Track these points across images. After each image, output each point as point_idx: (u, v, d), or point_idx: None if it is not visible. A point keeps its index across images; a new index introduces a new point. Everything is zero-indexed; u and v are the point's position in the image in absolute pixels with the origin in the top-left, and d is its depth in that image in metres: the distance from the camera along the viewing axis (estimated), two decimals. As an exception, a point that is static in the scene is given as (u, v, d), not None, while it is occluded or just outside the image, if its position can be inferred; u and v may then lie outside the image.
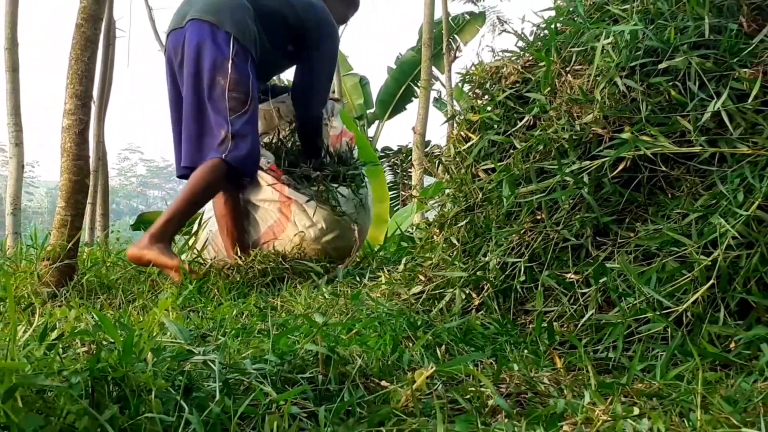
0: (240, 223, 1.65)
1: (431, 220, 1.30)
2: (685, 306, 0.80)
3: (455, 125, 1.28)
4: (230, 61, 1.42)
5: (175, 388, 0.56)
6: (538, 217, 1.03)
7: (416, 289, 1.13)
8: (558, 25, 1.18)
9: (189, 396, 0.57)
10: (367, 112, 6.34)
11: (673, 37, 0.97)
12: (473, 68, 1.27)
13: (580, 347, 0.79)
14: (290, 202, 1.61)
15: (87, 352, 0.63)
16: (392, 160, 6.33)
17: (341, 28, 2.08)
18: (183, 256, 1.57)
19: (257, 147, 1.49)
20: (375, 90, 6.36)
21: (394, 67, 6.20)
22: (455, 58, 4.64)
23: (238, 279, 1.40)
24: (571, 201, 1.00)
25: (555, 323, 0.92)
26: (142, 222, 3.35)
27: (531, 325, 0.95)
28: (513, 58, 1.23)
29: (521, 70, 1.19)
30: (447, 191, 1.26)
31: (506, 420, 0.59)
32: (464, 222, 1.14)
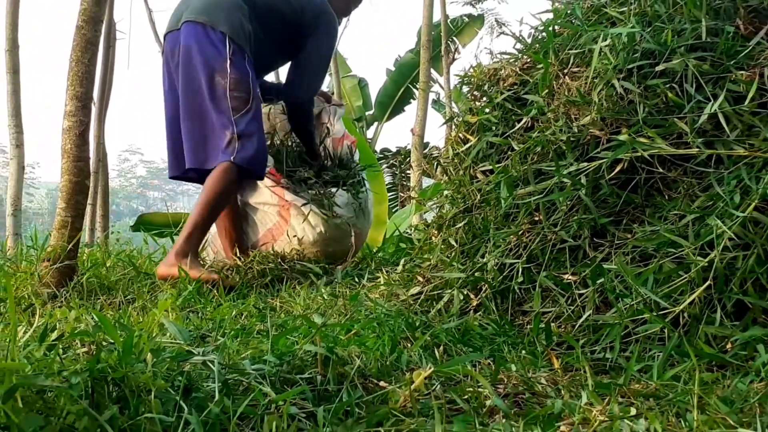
0: (238, 224, 1.66)
1: (430, 221, 1.31)
2: (681, 307, 0.81)
3: (453, 127, 1.29)
4: (228, 61, 1.42)
5: (174, 389, 0.57)
6: (536, 219, 1.03)
7: (415, 290, 1.13)
8: (556, 27, 1.18)
9: (188, 396, 0.57)
10: (366, 113, 6.35)
11: (670, 39, 0.97)
12: (472, 70, 1.28)
13: (578, 348, 0.80)
14: (289, 206, 1.61)
15: (87, 352, 0.63)
16: (391, 161, 6.34)
17: (344, 21, 2.08)
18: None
19: (264, 145, 1.49)
20: (374, 92, 6.38)
21: (393, 69, 6.21)
22: (454, 60, 4.65)
23: (237, 279, 1.40)
24: (568, 202, 1.00)
25: (552, 324, 0.92)
26: (141, 223, 3.35)
27: (529, 326, 0.95)
28: (511, 61, 1.24)
29: (519, 72, 1.20)
30: (445, 192, 1.26)
31: (504, 420, 0.60)
32: (462, 223, 1.14)
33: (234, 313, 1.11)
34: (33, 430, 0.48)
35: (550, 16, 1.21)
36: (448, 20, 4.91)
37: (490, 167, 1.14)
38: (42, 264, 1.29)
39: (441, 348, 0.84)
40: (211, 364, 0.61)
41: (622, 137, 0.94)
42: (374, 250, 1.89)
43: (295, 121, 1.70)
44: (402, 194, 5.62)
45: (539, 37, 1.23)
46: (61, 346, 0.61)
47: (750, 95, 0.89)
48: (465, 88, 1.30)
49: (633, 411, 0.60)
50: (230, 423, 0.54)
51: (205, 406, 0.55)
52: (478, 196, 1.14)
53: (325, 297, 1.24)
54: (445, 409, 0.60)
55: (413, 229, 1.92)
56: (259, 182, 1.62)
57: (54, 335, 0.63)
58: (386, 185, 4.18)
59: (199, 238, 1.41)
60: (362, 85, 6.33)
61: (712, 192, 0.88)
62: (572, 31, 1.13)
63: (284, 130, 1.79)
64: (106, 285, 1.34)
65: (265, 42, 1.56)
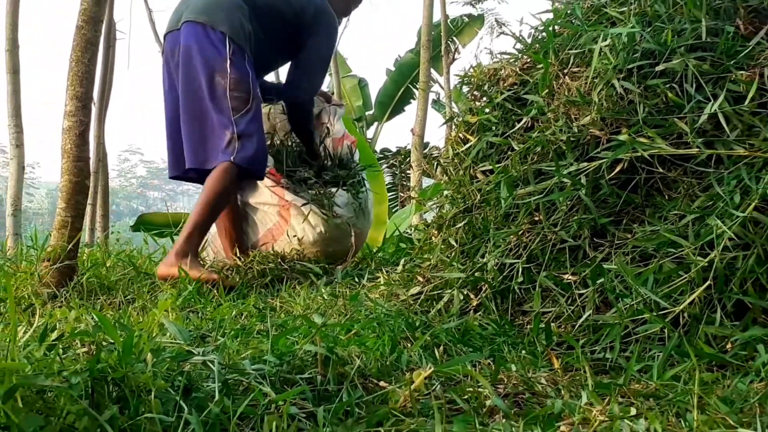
0: (238, 224, 1.66)
1: (430, 221, 1.31)
2: (681, 307, 0.81)
3: (453, 127, 1.29)
4: (228, 61, 1.42)
5: (174, 389, 0.57)
6: (536, 219, 1.03)
7: (415, 290, 1.13)
8: (556, 27, 1.18)
9: (188, 396, 0.57)
10: (366, 113, 6.35)
11: (670, 39, 0.97)
12: (471, 70, 1.28)
13: (578, 348, 0.80)
14: (289, 206, 1.62)
15: (87, 352, 0.63)
16: (391, 161, 6.34)
17: (344, 21, 2.07)
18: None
19: (264, 145, 1.49)
20: (374, 92, 6.38)
21: (393, 69, 6.22)
22: (454, 60, 4.65)
23: (237, 279, 1.40)
24: (568, 202, 1.00)
25: (552, 324, 0.92)
26: (141, 223, 3.35)
27: (529, 326, 0.95)
28: (511, 61, 1.24)
29: (519, 72, 1.20)
30: (445, 192, 1.26)
31: (504, 420, 0.60)
32: (462, 223, 1.14)
33: (234, 313, 1.11)
34: (33, 430, 0.48)
35: (550, 16, 1.21)
36: (448, 20, 4.91)
37: (490, 167, 1.14)
38: (42, 264, 1.29)
39: (441, 348, 0.84)
40: (211, 364, 0.61)
41: (622, 137, 0.94)
42: (374, 250, 1.89)
43: (294, 120, 1.70)
44: (402, 194, 5.62)
45: (539, 37, 1.23)
46: (61, 346, 0.61)
47: (750, 95, 0.89)
48: (465, 88, 1.30)
49: (633, 411, 0.60)
50: (230, 423, 0.54)
51: (205, 406, 0.55)
52: (478, 196, 1.14)
53: (325, 297, 1.24)
54: (445, 409, 0.60)
55: (413, 229, 1.92)
56: (259, 182, 1.62)
57: (54, 335, 0.63)
58: (386, 185, 4.18)
59: (199, 238, 1.41)
60: (362, 85, 6.34)
61: (712, 192, 0.88)
62: (572, 31, 1.13)
63: (284, 130, 1.79)
64: (106, 285, 1.34)
65: (265, 42, 1.56)
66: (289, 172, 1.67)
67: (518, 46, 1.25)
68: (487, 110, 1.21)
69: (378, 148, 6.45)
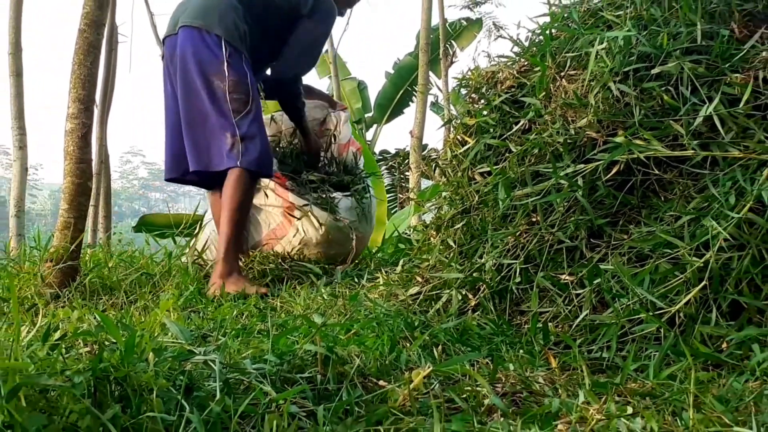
0: (241, 225, 1.66)
1: (428, 222, 1.32)
2: (677, 307, 0.82)
3: (452, 129, 1.30)
4: (225, 63, 1.43)
5: (176, 388, 0.57)
6: (534, 220, 1.04)
7: (413, 290, 1.14)
8: (553, 30, 1.19)
9: (190, 395, 0.58)
10: (366, 116, 6.37)
11: (666, 42, 0.98)
12: (470, 73, 1.29)
13: (575, 347, 0.80)
14: (293, 207, 1.63)
15: (89, 352, 0.64)
16: (390, 163, 6.35)
17: (343, 22, 2.06)
18: (184, 258, 1.58)
19: (268, 145, 1.50)
20: (373, 94, 6.40)
21: (392, 71, 6.24)
22: (452, 63, 4.67)
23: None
24: (565, 204, 1.01)
25: (550, 324, 0.93)
26: (143, 224, 3.36)
27: (526, 326, 0.96)
28: (509, 63, 1.25)
29: (517, 75, 1.21)
30: (444, 194, 1.27)
31: (502, 419, 0.60)
32: (461, 224, 1.15)
33: (235, 313, 1.12)
34: (36, 429, 0.48)
35: (547, 19, 1.22)
36: (447, 24, 4.93)
37: (488, 169, 1.15)
38: (45, 264, 1.30)
39: (440, 347, 0.85)
40: (212, 364, 0.62)
41: (619, 139, 0.95)
42: (373, 251, 1.90)
43: (280, 96, 1.68)
44: (401, 195, 5.63)
45: (536, 40, 1.24)
46: (63, 346, 0.62)
47: (744, 98, 0.90)
48: (463, 91, 1.31)
49: (629, 410, 0.60)
50: (231, 422, 0.55)
51: (207, 405, 0.56)
52: (476, 198, 1.15)
53: (325, 297, 1.25)
54: (443, 408, 0.61)
55: (412, 230, 1.92)
56: (263, 183, 1.62)
57: (57, 335, 0.63)
58: (385, 186, 4.19)
59: (235, 253, 1.41)
60: (361, 87, 6.36)
61: (708, 193, 0.88)
62: (569, 35, 1.14)
63: (290, 134, 1.80)
64: (108, 285, 1.35)
65: (263, 38, 1.56)
66: (294, 175, 1.68)
67: (516, 49, 1.26)
68: (485, 113, 1.22)
69: (377, 149, 6.46)
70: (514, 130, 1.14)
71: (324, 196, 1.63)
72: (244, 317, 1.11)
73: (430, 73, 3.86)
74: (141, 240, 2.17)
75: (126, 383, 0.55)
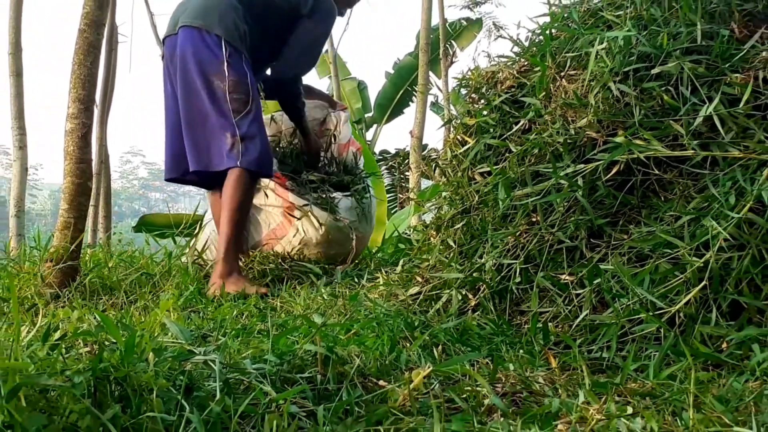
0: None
1: (428, 222, 1.32)
2: (677, 307, 0.82)
3: (452, 129, 1.30)
4: (225, 63, 1.43)
5: (176, 388, 0.57)
6: (534, 220, 1.04)
7: (413, 290, 1.14)
8: (553, 30, 1.19)
9: (190, 395, 0.58)
10: (366, 116, 6.37)
11: (666, 42, 0.98)
12: (470, 73, 1.29)
13: (575, 347, 0.80)
14: (293, 207, 1.63)
15: (89, 352, 0.64)
16: (390, 163, 6.36)
17: (343, 23, 2.06)
18: (184, 258, 1.58)
19: (267, 145, 1.50)
20: (373, 94, 6.40)
21: (392, 72, 6.24)
22: (452, 63, 4.68)
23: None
24: (565, 204, 1.01)
25: (550, 324, 0.93)
26: (143, 224, 3.36)
27: (526, 326, 0.96)
28: (509, 63, 1.25)
29: (517, 75, 1.21)
30: (444, 194, 1.27)
31: (502, 419, 0.60)
32: (461, 224, 1.15)
33: (235, 313, 1.12)
34: (36, 429, 0.49)
35: (547, 19, 1.22)
36: (447, 24, 4.93)
37: (488, 169, 1.15)
38: (45, 265, 1.30)
39: (440, 347, 0.85)
40: (212, 364, 0.62)
41: (619, 139, 0.95)
42: (373, 251, 1.90)
43: (280, 96, 1.69)
44: (401, 195, 5.64)
45: (536, 40, 1.24)
46: (63, 346, 0.62)
47: (744, 98, 0.90)
48: (463, 91, 1.31)
49: (629, 410, 0.60)
50: (231, 422, 0.55)
51: (207, 405, 0.56)
52: (476, 198, 1.15)
53: (325, 297, 1.25)
54: (443, 408, 0.61)
55: (412, 230, 1.92)
56: (263, 183, 1.63)
57: (57, 335, 0.64)
58: (385, 186, 4.19)
59: (235, 253, 1.41)
60: (361, 87, 6.36)
61: (708, 193, 0.89)
62: (569, 35, 1.14)
63: (290, 134, 1.80)
64: (108, 285, 1.35)
65: (263, 38, 1.56)
66: (294, 175, 1.68)
67: (516, 49, 1.26)
68: (485, 113, 1.22)
69: (377, 149, 6.47)
70: (514, 130, 1.14)
71: (324, 196, 1.63)
72: (244, 317, 1.11)
73: (430, 73, 3.86)
74: (141, 240, 2.17)
75: (126, 383, 0.55)
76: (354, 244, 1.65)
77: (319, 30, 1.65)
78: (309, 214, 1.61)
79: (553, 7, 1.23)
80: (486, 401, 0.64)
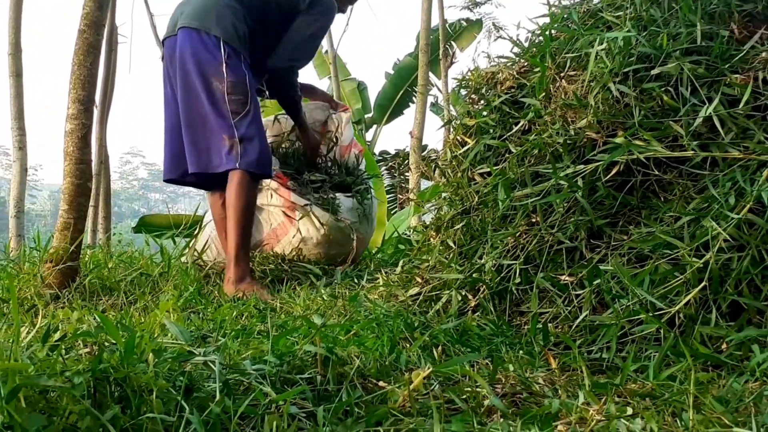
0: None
1: (428, 222, 1.32)
2: (677, 308, 0.82)
3: (452, 130, 1.30)
4: (224, 65, 1.43)
5: (175, 389, 0.57)
6: (533, 220, 1.04)
7: (413, 290, 1.14)
8: (552, 31, 1.19)
9: (190, 396, 0.58)
10: (366, 116, 6.38)
11: (666, 43, 0.99)
12: (469, 74, 1.29)
13: (575, 348, 0.80)
14: (295, 207, 1.63)
15: (89, 353, 0.64)
16: (390, 163, 6.36)
17: (343, 24, 2.05)
18: (183, 258, 1.58)
19: (266, 146, 1.50)
20: (373, 95, 6.41)
21: (392, 72, 6.25)
22: (452, 63, 4.68)
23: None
24: (565, 204, 1.01)
25: (550, 324, 0.93)
26: (143, 225, 3.37)
27: (526, 327, 0.96)
28: (508, 64, 1.25)
29: (516, 75, 1.21)
30: (443, 194, 1.27)
31: (502, 420, 0.60)
32: (460, 225, 1.15)
33: (235, 313, 1.12)
34: (36, 430, 0.49)
35: (547, 20, 1.23)
36: (447, 24, 4.94)
37: (488, 169, 1.15)
38: (45, 265, 1.30)
39: (439, 348, 0.85)
40: (212, 365, 0.62)
41: (619, 140, 0.95)
42: (373, 252, 1.90)
43: (275, 88, 1.68)
44: (401, 196, 5.64)
45: (536, 41, 1.24)
46: (63, 347, 0.62)
47: (744, 98, 0.90)
48: (463, 92, 1.32)
49: (629, 410, 0.60)
50: (231, 423, 0.55)
51: (206, 406, 0.56)
52: (476, 198, 1.15)
53: (325, 298, 1.25)
54: (443, 409, 0.61)
55: (412, 230, 1.93)
56: (264, 183, 1.63)
57: (57, 336, 0.64)
58: (385, 187, 4.20)
59: (245, 257, 1.42)
60: (361, 88, 6.36)
61: (708, 194, 0.89)
62: (569, 35, 1.14)
63: (292, 135, 1.80)
64: (108, 286, 1.35)
65: (263, 37, 1.56)
66: (296, 175, 1.68)
67: (515, 49, 1.26)
68: (484, 113, 1.23)
69: (377, 150, 6.47)
70: (513, 130, 1.14)
71: (325, 196, 1.63)
72: (243, 318, 1.11)
73: (430, 74, 3.87)
74: (141, 241, 2.17)
75: (126, 384, 0.55)
76: (354, 245, 1.65)
77: (317, 24, 1.64)
78: (310, 213, 1.61)
79: (553, 8, 1.23)
80: (486, 402, 0.64)
